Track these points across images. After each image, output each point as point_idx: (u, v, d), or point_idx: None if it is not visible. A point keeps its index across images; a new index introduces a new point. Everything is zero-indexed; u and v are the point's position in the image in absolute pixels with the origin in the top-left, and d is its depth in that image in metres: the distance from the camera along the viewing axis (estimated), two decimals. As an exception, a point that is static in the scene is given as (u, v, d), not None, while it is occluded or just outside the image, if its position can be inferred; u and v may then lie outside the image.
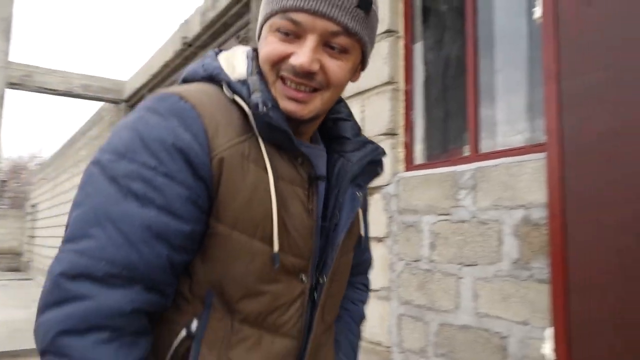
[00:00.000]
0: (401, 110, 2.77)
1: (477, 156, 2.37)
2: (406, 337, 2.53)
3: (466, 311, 2.23)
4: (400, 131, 2.76)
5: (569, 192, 1.81)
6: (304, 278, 0.83)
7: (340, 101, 0.97)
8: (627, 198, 1.64)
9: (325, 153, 0.92)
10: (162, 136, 0.72)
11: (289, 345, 0.82)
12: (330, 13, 0.76)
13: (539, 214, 1.95)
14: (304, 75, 0.78)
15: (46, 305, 0.68)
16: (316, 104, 0.81)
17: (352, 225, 0.91)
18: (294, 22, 0.77)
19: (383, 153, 0.93)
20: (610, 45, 1.71)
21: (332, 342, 0.96)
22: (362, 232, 0.98)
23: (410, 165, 2.71)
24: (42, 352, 0.67)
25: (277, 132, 0.77)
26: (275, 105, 0.78)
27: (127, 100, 6.57)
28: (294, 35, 0.78)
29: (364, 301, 1.13)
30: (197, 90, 0.79)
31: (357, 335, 1.09)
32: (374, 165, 0.92)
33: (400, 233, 2.63)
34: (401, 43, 2.82)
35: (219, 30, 4.92)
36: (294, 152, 0.81)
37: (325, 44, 0.79)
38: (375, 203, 2.79)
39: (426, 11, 2.95)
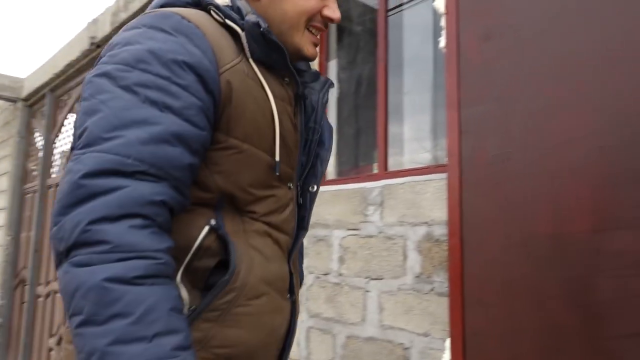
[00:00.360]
0: (315, 126, 2.83)
1: (385, 174, 2.47)
2: (314, 349, 2.57)
3: (372, 323, 2.31)
4: (314, 146, 2.82)
5: (466, 211, 1.95)
6: (291, 185, 0.95)
7: None
8: (513, 218, 1.79)
9: None
10: (174, 50, 0.76)
11: (287, 240, 0.94)
12: None
13: (441, 231, 2.07)
14: (328, 26, 0.94)
15: (70, 204, 0.68)
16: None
17: None
18: None
19: (332, 85, 1.05)
20: (502, 78, 1.87)
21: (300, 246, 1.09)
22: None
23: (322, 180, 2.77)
24: (70, 248, 0.67)
25: (275, 51, 0.87)
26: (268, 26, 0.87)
27: (25, 99, 6.12)
28: None
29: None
30: (192, 13, 0.83)
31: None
32: (325, 94, 1.03)
33: (310, 247, 2.67)
34: (316, 60, 2.89)
35: (131, 33, 4.74)
36: (282, 72, 0.91)
37: None
38: (288, 216, 2.82)
39: (341, 31, 3.04)
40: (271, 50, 0.87)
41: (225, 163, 0.83)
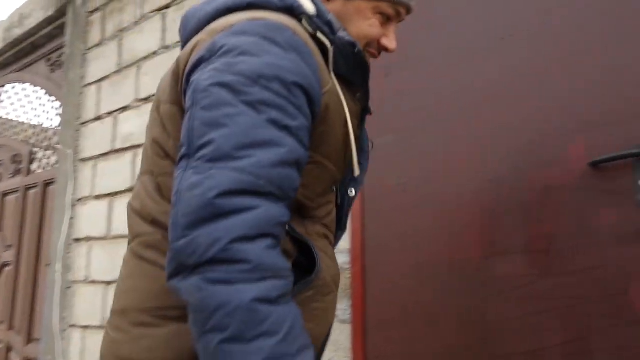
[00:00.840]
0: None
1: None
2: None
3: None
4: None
5: (368, 239, 2.01)
6: (334, 188, 0.99)
7: None
8: (412, 246, 1.88)
9: None
10: (290, 69, 0.78)
11: (332, 240, 1.01)
12: (414, 8, 0.98)
13: (344, 259, 2.12)
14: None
15: (203, 219, 0.68)
16: None
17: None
18: (398, 13, 0.97)
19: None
20: (401, 113, 1.98)
21: None
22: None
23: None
24: (204, 263, 0.68)
25: (361, 70, 0.93)
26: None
27: None
28: (389, 20, 0.97)
29: None
30: (293, 24, 0.84)
31: None
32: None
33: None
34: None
35: (26, 50, 4.46)
36: (356, 88, 0.95)
37: None
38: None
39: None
40: (357, 69, 0.93)
41: (305, 177, 0.85)
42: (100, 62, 3.63)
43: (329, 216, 0.98)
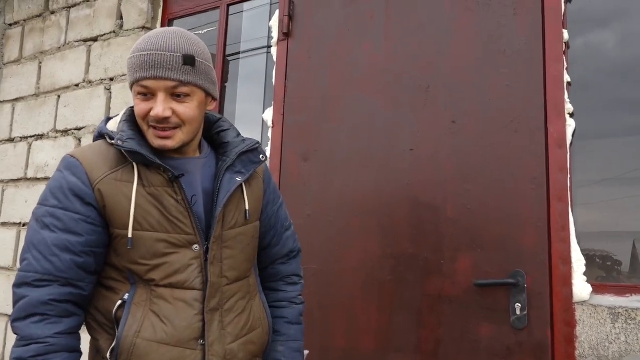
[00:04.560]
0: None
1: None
2: None
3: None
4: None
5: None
6: (196, 247, 1.15)
7: (220, 119, 1.31)
8: (315, 331, 1.97)
9: (209, 158, 1.25)
10: (60, 184, 1.12)
11: (196, 294, 1.14)
12: (166, 75, 1.09)
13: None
14: (162, 120, 1.11)
15: (12, 305, 1.09)
16: (180, 136, 1.15)
17: (232, 202, 1.20)
18: (146, 87, 1.11)
19: (257, 143, 1.26)
20: (314, 197, 2.09)
21: (255, 295, 1.28)
22: (247, 208, 1.24)
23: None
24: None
25: (136, 155, 1.11)
26: (132, 138, 1.12)
27: None
28: (150, 94, 1.12)
29: (295, 297, 1.39)
30: (87, 148, 1.17)
31: (298, 337, 1.36)
32: (248, 154, 1.24)
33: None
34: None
35: None
36: (155, 165, 1.12)
37: (172, 94, 1.12)
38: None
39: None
40: (133, 154, 1.12)
41: (118, 246, 1.12)
42: (16, 81, 3.46)
43: (177, 275, 1.12)
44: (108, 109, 2.95)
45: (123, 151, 1.11)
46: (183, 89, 1.11)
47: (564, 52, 1.79)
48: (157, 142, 1.13)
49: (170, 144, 1.13)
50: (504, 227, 1.73)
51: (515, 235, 1.71)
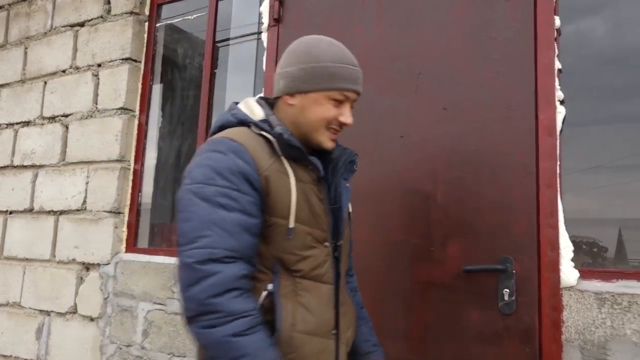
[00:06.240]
0: (129, 189, 2.77)
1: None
2: None
3: (171, 401, 2.34)
4: (126, 211, 2.75)
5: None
6: (327, 244, 1.24)
7: None
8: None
9: (320, 160, 1.31)
10: (229, 165, 1.12)
11: (329, 288, 1.24)
12: (361, 90, 1.24)
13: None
14: (344, 126, 1.24)
15: (188, 285, 1.06)
16: None
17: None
18: (346, 97, 1.22)
19: (356, 155, 1.36)
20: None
21: (345, 286, 1.36)
22: (350, 210, 1.42)
23: (132, 247, 2.71)
24: (195, 316, 1.05)
25: (295, 150, 1.18)
26: (290, 133, 1.20)
27: None
28: (341, 102, 1.22)
29: (356, 287, 1.55)
30: (237, 133, 1.19)
31: (369, 319, 1.50)
32: (351, 164, 1.35)
33: (114, 315, 2.60)
34: (135, 122, 2.83)
35: None
36: (305, 162, 1.21)
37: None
38: (92, 282, 2.70)
39: (165, 94, 3.02)
40: (291, 150, 1.18)
41: (272, 235, 1.16)
42: (1, 66, 3.39)
43: (319, 269, 1.21)
44: (95, 95, 2.91)
45: (281, 143, 1.18)
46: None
47: (555, 39, 1.79)
48: (330, 143, 1.25)
49: (333, 145, 1.27)
50: (494, 213, 1.74)
51: (505, 221, 1.72)
